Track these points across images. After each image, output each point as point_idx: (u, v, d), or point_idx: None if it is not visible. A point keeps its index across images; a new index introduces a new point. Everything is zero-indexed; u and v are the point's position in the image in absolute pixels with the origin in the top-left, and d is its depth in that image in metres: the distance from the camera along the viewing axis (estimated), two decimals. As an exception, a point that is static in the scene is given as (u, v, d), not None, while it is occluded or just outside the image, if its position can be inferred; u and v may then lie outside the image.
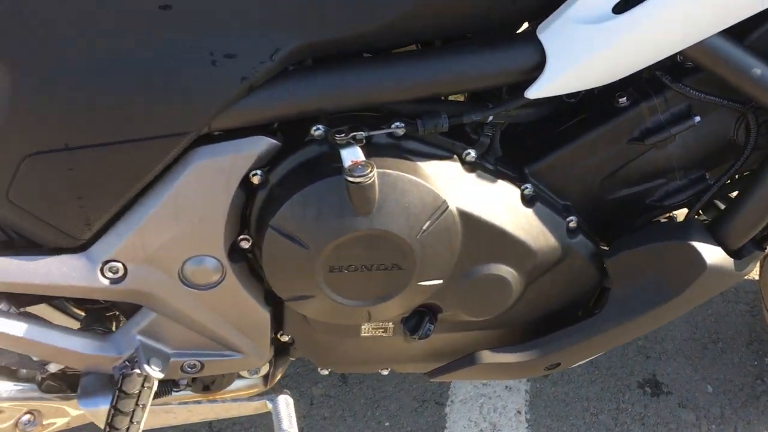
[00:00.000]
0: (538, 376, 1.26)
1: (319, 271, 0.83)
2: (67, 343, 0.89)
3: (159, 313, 0.89)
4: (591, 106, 0.92)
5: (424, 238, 0.83)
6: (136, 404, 0.84)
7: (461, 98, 0.91)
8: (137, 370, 0.88)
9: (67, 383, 0.96)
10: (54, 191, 0.77)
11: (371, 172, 0.76)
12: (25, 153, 0.74)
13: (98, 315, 0.95)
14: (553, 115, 0.93)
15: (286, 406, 0.95)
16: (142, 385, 0.86)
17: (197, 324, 0.91)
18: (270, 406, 0.96)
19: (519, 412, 1.52)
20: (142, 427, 0.87)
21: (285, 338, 1.00)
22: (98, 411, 0.93)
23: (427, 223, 0.82)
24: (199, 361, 0.96)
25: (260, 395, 0.97)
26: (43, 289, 0.84)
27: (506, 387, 1.57)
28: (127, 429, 0.83)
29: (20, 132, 0.73)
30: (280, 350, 1.05)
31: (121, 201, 0.79)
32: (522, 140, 0.96)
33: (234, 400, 0.98)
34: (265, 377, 1.10)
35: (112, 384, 0.95)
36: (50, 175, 0.76)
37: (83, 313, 1.01)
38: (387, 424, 1.48)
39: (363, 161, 0.77)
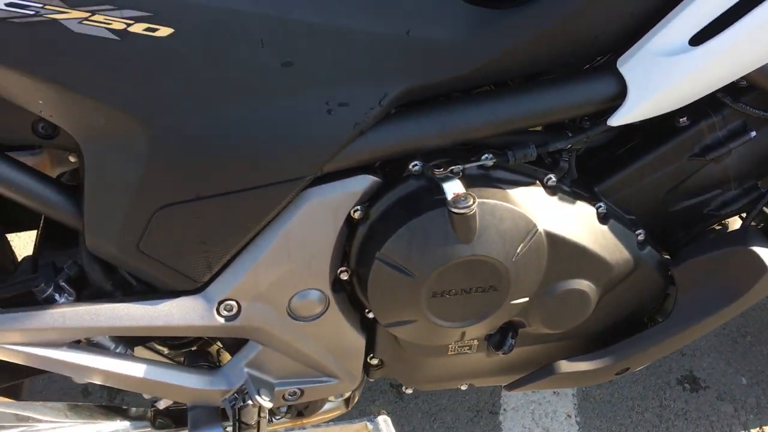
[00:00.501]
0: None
1: (423, 297, 0.89)
2: (179, 380, 0.94)
3: (266, 345, 0.94)
4: (651, 127, 0.99)
5: (518, 260, 0.89)
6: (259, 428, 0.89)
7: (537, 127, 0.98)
8: (250, 401, 0.93)
9: (172, 418, 1.01)
10: (181, 239, 0.82)
11: (473, 203, 0.83)
12: (158, 205, 0.79)
13: (200, 351, 1.00)
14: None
15: (386, 425, 1.00)
16: (259, 415, 0.91)
17: (300, 353, 0.96)
18: (371, 426, 1.01)
19: (569, 416, 1.59)
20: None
21: (374, 361, 1.05)
22: (210, 443, 0.98)
23: (521, 246, 0.88)
24: (299, 389, 1.01)
25: (352, 417, 1.02)
26: (163, 330, 0.89)
27: (554, 392, 1.63)
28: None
29: (155, 186, 0.78)
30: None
31: (240, 243, 0.84)
32: (583, 161, 1.03)
33: (335, 422, 1.03)
34: (346, 400, 1.16)
35: (218, 416, 1.00)
36: (179, 224, 0.81)
37: (165, 350, 1.06)
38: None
39: (464, 193, 0.83)
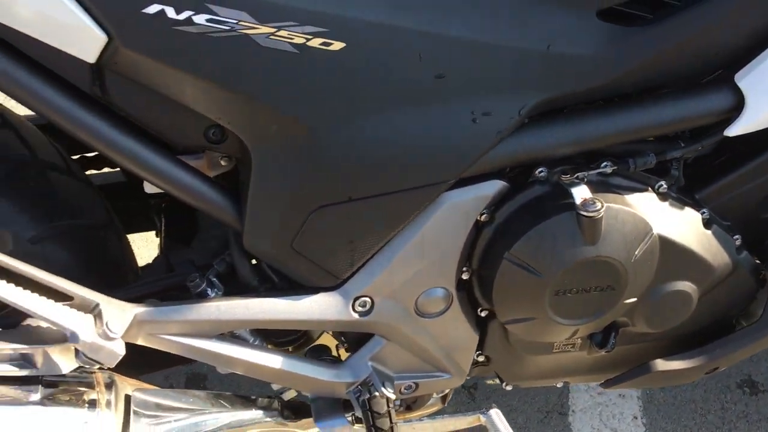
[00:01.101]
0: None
1: (547, 295, 0.95)
2: (309, 372, 0.99)
3: (390, 340, 1.00)
4: (751, 136, 1.05)
5: (636, 262, 0.95)
6: (391, 422, 0.94)
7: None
8: (377, 393, 0.98)
9: (294, 410, 1.06)
10: (331, 238, 0.88)
11: (602, 207, 0.88)
12: (314, 207, 0.85)
13: (322, 346, 1.06)
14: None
15: (498, 417, 1.06)
16: (388, 405, 0.96)
17: (420, 349, 1.02)
18: (483, 419, 1.06)
19: (635, 417, 1.64)
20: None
21: (480, 358, 1.11)
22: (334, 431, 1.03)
23: (639, 248, 0.94)
24: (414, 383, 1.06)
25: (466, 411, 1.08)
26: (302, 324, 0.95)
27: (619, 395, 1.68)
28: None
29: (312, 189, 0.84)
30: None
31: (382, 242, 0.90)
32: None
33: (450, 415, 1.08)
34: (443, 397, 1.21)
35: (341, 407, 1.05)
36: (331, 225, 0.87)
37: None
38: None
39: (592, 197, 0.89)
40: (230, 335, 0.95)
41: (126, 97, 0.78)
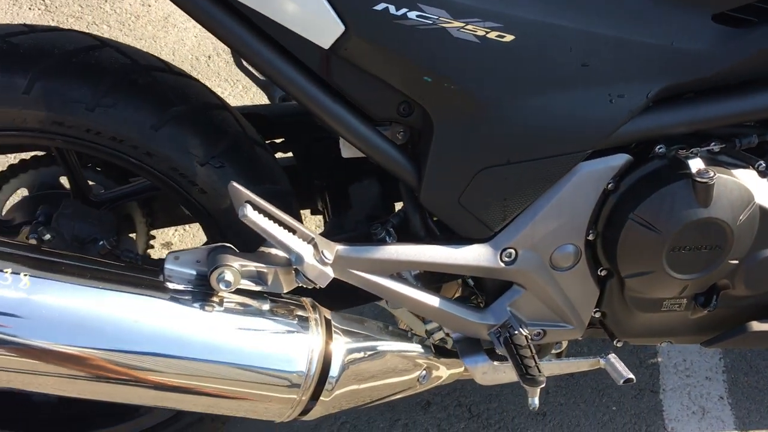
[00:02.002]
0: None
1: (665, 250, 1.13)
2: (461, 313, 1.19)
3: (527, 289, 1.20)
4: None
5: (740, 225, 1.13)
6: (531, 352, 1.13)
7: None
8: (516, 331, 1.17)
9: (439, 350, 1.26)
10: (490, 195, 1.09)
11: (714, 175, 1.07)
12: (480, 168, 1.06)
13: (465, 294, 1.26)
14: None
15: (616, 361, 1.23)
16: (528, 340, 1.15)
17: (550, 299, 1.21)
18: (603, 362, 1.24)
19: (722, 398, 1.78)
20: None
21: (597, 314, 1.29)
22: (477, 367, 1.23)
23: (743, 214, 1.12)
24: (543, 330, 1.25)
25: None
26: (458, 269, 1.16)
27: (706, 378, 1.83)
28: (533, 371, 1.11)
29: (480, 153, 1.05)
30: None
31: (529, 201, 1.11)
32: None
33: (573, 358, 1.27)
34: (558, 354, 1.39)
35: (481, 346, 1.25)
36: (491, 183, 1.08)
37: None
38: (614, 408, 1.75)
39: (705, 167, 1.08)
40: (398, 276, 1.16)
41: (344, 76, 1.01)
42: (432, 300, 1.18)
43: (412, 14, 0.95)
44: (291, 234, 1.01)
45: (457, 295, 1.31)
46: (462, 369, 1.26)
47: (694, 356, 1.89)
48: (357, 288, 1.15)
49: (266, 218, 0.98)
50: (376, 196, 1.35)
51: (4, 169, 1.35)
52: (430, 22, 0.96)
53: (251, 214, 0.96)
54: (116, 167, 1.30)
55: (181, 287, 0.99)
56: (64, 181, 1.38)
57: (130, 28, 2.68)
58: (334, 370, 1.04)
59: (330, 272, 1.04)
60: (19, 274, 0.87)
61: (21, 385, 0.91)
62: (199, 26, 2.77)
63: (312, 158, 1.41)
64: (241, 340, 0.99)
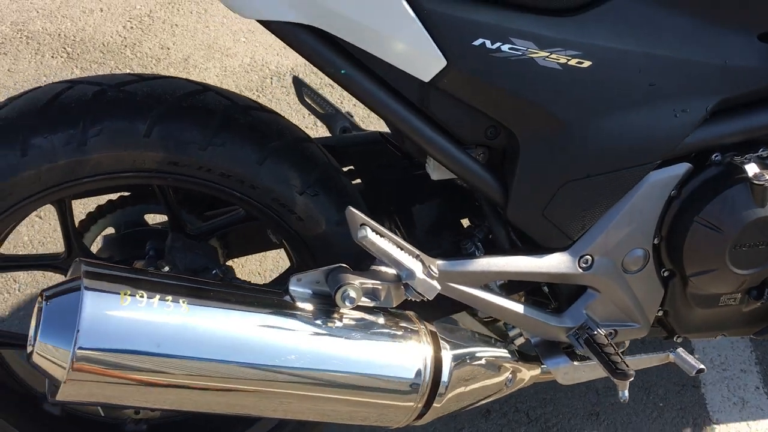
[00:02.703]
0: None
1: (727, 249, 1.24)
2: (542, 318, 1.29)
3: (601, 292, 1.30)
4: None
5: None
6: (615, 350, 1.23)
7: None
8: (596, 332, 1.27)
9: (520, 354, 1.35)
10: (571, 207, 1.19)
11: (768, 177, 1.19)
12: (563, 182, 1.17)
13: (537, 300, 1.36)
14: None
15: (685, 354, 1.33)
16: (608, 339, 1.25)
17: (622, 301, 1.32)
18: (672, 356, 1.34)
19: (758, 388, 1.90)
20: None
21: (660, 313, 1.39)
22: (559, 368, 1.32)
23: (795, 211, 1.24)
24: (614, 330, 1.36)
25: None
26: (539, 277, 1.26)
27: (741, 370, 1.94)
28: (622, 366, 1.21)
29: (563, 168, 1.16)
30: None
31: (605, 210, 1.21)
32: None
33: (644, 354, 1.37)
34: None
35: (560, 348, 1.34)
36: (572, 196, 1.18)
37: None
38: (661, 404, 1.85)
39: (761, 171, 1.20)
40: (486, 286, 1.26)
41: (440, 105, 1.11)
42: (517, 307, 1.28)
43: (505, 47, 1.06)
44: (402, 251, 1.10)
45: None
46: (539, 371, 1.35)
47: (727, 351, 2.00)
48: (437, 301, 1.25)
49: (382, 238, 1.07)
50: (444, 214, 1.44)
51: (92, 210, 1.43)
52: (520, 53, 1.07)
53: (371, 236, 1.05)
54: (199, 202, 1.39)
55: (306, 306, 1.07)
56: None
57: (153, 71, 2.76)
58: (444, 376, 1.13)
59: (437, 286, 1.13)
60: (178, 301, 0.95)
61: (177, 402, 0.98)
62: (219, 66, 2.90)
63: (379, 184, 1.50)
64: (364, 352, 1.07)
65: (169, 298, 0.94)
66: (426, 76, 1.07)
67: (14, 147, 1.09)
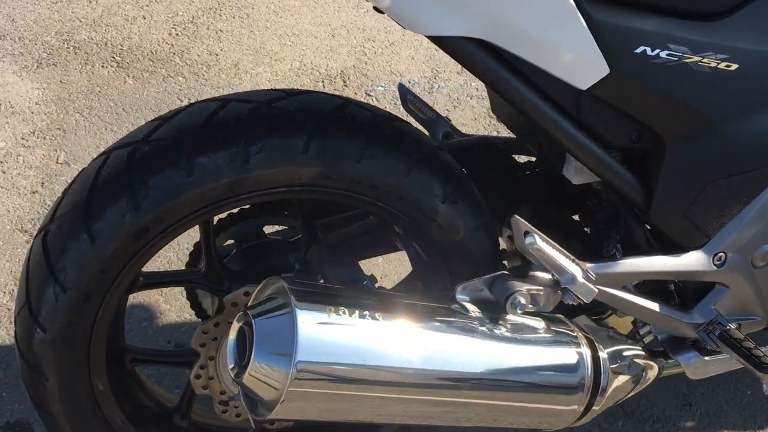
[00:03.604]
0: None
1: None
2: (673, 314, 1.32)
3: (730, 288, 1.33)
4: None
5: None
6: (753, 343, 1.26)
7: None
8: (727, 327, 1.30)
9: (649, 351, 1.38)
10: (711, 206, 1.22)
11: None
12: (705, 183, 1.20)
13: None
14: None
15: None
16: (742, 333, 1.28)
17: (748, 295, 1.35)
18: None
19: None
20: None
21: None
22: (690, 363, 1.35)
23: None
24: (739, 323, 1.38)
25: None
26: (676, 275, 1.29)
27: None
28: (766, 359, 1.24)
29: (707, 169, 1.19)
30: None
31: (742, 207, 1.24)
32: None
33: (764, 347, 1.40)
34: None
35: (689, 344, 1.37)
36: (713, 196, 1.21)
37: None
38: (749, 392, 1.89)
39: None
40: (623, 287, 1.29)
41: (592, 111, 1.13)
42: (653, 305, 1.31)
43: (663, 53, 1.08)
44: (563, 257, 1.12)
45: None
46: (668, 367, 1.38)
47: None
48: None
49: (547, 245, 1.09)
50: (562, 214, 1.47)
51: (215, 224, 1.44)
52: (676, 58, 1.09)
53: (540, 243, 1.08)
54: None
55: (477, 314, 1.09)
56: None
57: (205, 77, 2.76)
58: (603, 377, 1.16)
59: (595, 289, 1.15)
60: (375, 316, 0.96)
61: (385, 413, 0.99)
62: (270, 71, 2.90)
63: (490, 186, 1.52)
64: (535, 357, 1.10)
65: (366, 312, 0.96)
66: (584, 84, 1.09)
67: (179, 167, 1.10)
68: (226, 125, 1.13)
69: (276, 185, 1.16)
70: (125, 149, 1.14)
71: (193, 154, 1.11)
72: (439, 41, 1.05)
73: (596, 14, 1.04)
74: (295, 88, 1.31)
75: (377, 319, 0.96)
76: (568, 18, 1.02)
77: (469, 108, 2.73)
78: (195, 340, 1.27)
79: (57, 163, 2.40)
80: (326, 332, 0.94)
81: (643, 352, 1.31)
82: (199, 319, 1.56)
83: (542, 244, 1.08)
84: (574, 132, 1.14)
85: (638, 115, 1.15)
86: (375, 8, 1.05)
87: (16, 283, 2.00)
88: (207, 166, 1.11)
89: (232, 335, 0.96)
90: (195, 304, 1.52)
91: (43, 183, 2.33)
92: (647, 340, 1.39)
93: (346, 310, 0.96)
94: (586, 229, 1.47)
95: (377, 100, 2.74)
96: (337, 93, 2.86)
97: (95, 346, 1.22)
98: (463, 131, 2.78)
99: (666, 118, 1.15)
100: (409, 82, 2.82)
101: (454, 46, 1.05)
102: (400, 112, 2.75)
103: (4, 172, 2.35)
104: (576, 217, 1.53)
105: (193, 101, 1.23)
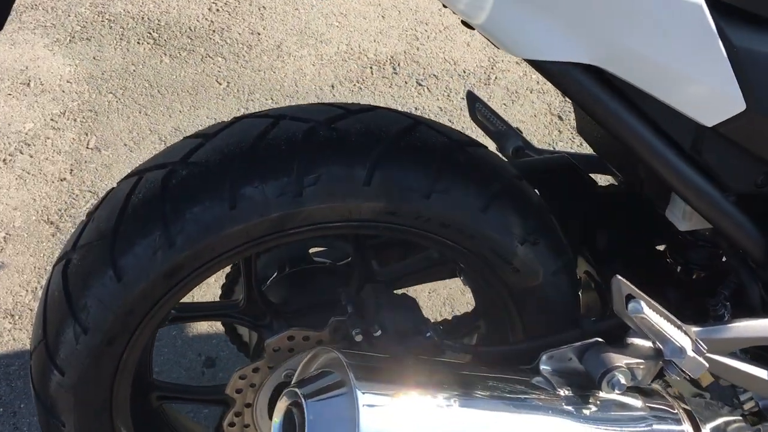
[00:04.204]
0: None
1: None
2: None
3: None
4: None
5: None
6: None
7: None
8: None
9: (756, 415, 1.20)
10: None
11: None
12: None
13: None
14: None
15: None
16: None
17: None
18: None
19: None
20: None
21: None
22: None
23: None
24: None
25: None
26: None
27: None
28: None
29: None
30: None
31: None
32: None
33: None
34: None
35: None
36: None
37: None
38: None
39: None
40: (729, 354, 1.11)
41: (715, 151, 0.94)
42: (757, 372, 1.12)
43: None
44: (671, 325, 0.94)
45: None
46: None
47: None
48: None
49: (655, 313, 0.91)
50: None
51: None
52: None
53: (647, 312, 0.90)
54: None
55: (565, 392, 0.92)
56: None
57: (246, 59, 2.59)
58: (707, 458, 0.99)
59: (705, 363, 0.98)
60: (449, 399, 0.79)
61: None
62: (314, 54, 2.72)
63: (569, 215, 1.34)
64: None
65: (437, 393, 0.80)
66: (711, 120, 0.90)
67: (222, 198, 0.94)
68: (277, 149, 0.96)
69: (331, 220, 0.99)
70: (160, 171, 0.98)
71: (238, 182, 0.94)
72: (540, 65, 0.86)
73: (738, 40, 0.84)
74: (357, 103, 1.13)
75: (450, 402, 0.79)
76: (705, 45, 0.83)
77: (528, 103, 2.52)
78: (231, 387, 1.11)
79: (87, 148, 2.26)
80: (392, 419, 0.77)
81: (744, 423, 1.14)
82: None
83: (649, 312, 0.91)
84: (689, 173, 0.95)
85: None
86: (463, 23, 0.87)
87: (39, 280, 1.87)
88: (253, 198, 0.94)
89: (277, 418, 0.80)
90: (231, 331, 1.37)
91: (71, 170, 2.19)
92: (747, 406, 1.22)
93: (414, 391, 0.79)
94: (668, 260, 1.29)
95: (429, 90, 2.55)
96: (388, 83, 2.69)
97: (119, 388, 1.07)
98: (521, 129, 2.58)
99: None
100: (464, 71, 2.63)
101: (560, 72, 0.86)
102: (453, 106, 2.60)
103: (31, 156, 2.22)
104: (660, 247, 1.35)
105: (240, 114, 1.05)
